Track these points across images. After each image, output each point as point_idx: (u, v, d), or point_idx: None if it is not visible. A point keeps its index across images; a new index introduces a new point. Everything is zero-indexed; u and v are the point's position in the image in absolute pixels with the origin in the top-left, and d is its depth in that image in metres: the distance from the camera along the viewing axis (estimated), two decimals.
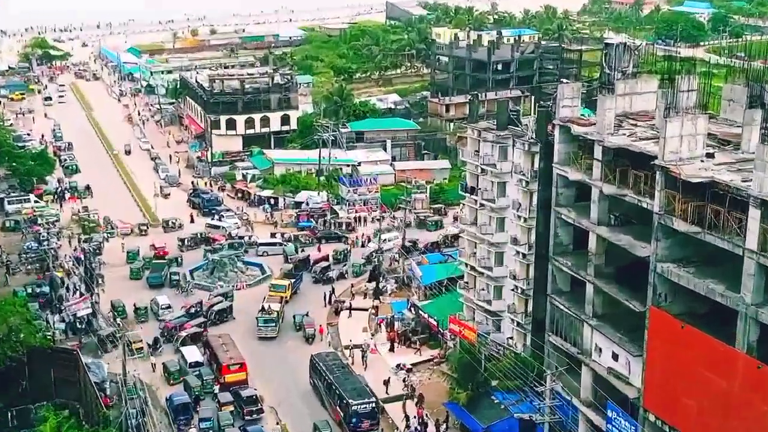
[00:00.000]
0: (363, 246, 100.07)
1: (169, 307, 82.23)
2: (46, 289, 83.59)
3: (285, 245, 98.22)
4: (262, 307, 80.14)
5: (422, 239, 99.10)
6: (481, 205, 67.05)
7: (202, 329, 77.59)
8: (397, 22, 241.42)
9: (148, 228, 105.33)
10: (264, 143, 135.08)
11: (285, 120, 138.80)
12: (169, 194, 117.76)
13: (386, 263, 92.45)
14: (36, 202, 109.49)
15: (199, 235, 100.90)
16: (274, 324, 78.52)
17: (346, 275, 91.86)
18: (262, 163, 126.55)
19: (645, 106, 57.75)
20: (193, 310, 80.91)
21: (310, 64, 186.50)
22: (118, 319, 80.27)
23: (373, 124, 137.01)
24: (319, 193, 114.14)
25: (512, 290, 64.96)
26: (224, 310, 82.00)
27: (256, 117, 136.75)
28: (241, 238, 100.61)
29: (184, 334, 76.40)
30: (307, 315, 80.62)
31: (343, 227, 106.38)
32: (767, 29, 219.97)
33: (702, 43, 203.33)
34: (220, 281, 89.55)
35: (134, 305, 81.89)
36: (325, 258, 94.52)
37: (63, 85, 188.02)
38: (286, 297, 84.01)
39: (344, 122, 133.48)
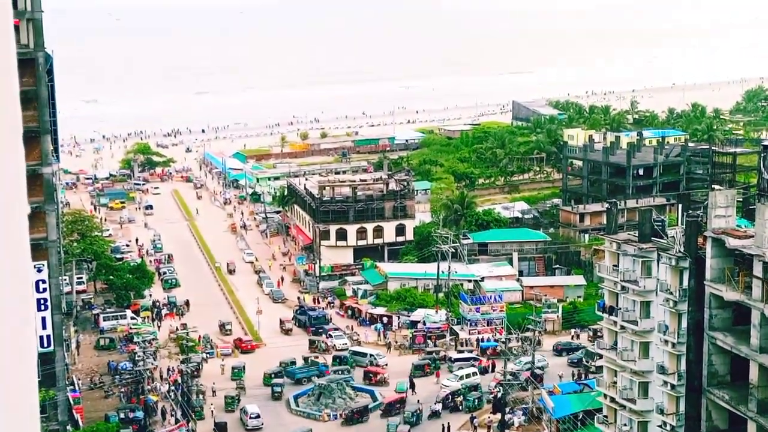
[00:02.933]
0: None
1: (258, 416, 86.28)
2: (140, 414, 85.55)
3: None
4: None
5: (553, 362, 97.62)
6: (622, 327, 65.82)
7: None
8: (524, 123, 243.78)
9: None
10: (377, 256, 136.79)
11: (400, 230, 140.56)
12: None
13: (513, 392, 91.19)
14: (132, 318, 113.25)
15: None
16: None
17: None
18: (375, 278, 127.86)
19: None
20: None
21: (429, 169, 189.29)
22: None
23: (498, 235, 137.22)
24: (437, 312, 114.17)
25: (659, 426, 62.81)
26: None
27: (369, 227, 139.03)
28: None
29: None
30: None
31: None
32: None
33: None
34: (326, 408, 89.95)
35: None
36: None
37: (157, 188, 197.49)
38: None
39: (466, 233, 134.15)
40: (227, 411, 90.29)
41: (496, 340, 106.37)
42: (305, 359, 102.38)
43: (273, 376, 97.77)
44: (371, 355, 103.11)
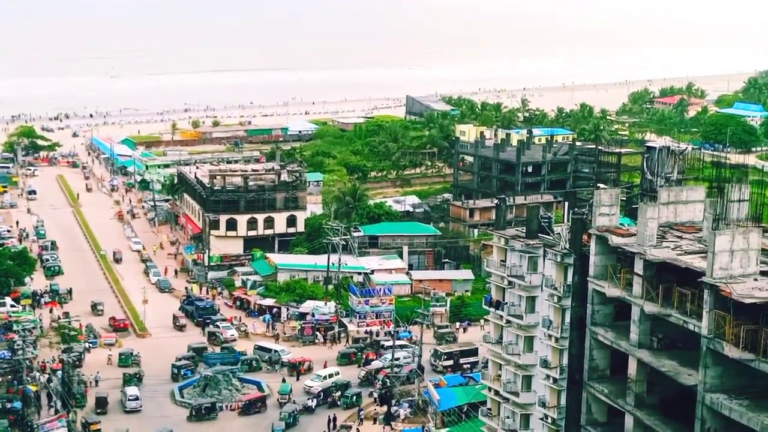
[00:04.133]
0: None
1: (136, 398, 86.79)
2: (18, 404, 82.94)
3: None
4: None
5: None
6: (508, 321, 66.66)
7: None
8: (417, 117, 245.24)
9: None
10: (267, 246, 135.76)
11: (291, 221, 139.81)
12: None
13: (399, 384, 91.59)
14: (12, 306, 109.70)
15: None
16: None
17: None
18: (265, 269, 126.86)
19: (691, 217, 57.97)
20: None
21: (321, 161, 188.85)
22: None
23: (389, 228, 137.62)
24: (326, 304, 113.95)
25: (541, 419, 63.91)
26: None
27: (260, 217, 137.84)
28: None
29: None
30: None
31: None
32: None
33: (754, 149, 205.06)
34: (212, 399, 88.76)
35: None
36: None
37: (35, 170, 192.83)
38: None
39: (356, 225, 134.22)
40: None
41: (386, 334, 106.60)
42: (193, 349, 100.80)
43: (180, 360, 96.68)
44: (275, 351, 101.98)
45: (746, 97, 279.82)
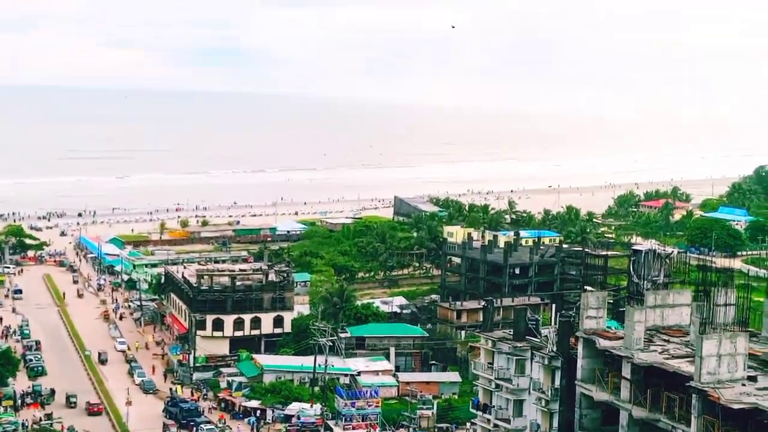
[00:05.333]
0: None
1: None
2: None
3: None
4: None
5: None
6: (495, 425, 65.94)
7: None
8: (405, 218, 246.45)
9: None
10: (254, 347, 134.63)
11: (278, 322, 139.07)
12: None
13: None
14: None
15: None
16: None
17: None
18: (250, 370, 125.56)
19: (678, 320, 58.00)
20: None
21: (309, 261, 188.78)
22: None
23: (376, 330, 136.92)
24: (312, 406, 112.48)
25: None
26: None
27: (246, 318, 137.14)
28: None
29: None
30: None
31: None
32: None
33: (739, 253, 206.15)
34: None
35: None
36: None
37: (16, 267, 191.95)
38: None
39: (344, 326, 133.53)
40: None
41: None
42: None
43: None
44: None
45: (730, 202, 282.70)
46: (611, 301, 78.03)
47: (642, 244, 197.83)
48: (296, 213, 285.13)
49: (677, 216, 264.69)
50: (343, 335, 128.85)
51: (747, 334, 48.84)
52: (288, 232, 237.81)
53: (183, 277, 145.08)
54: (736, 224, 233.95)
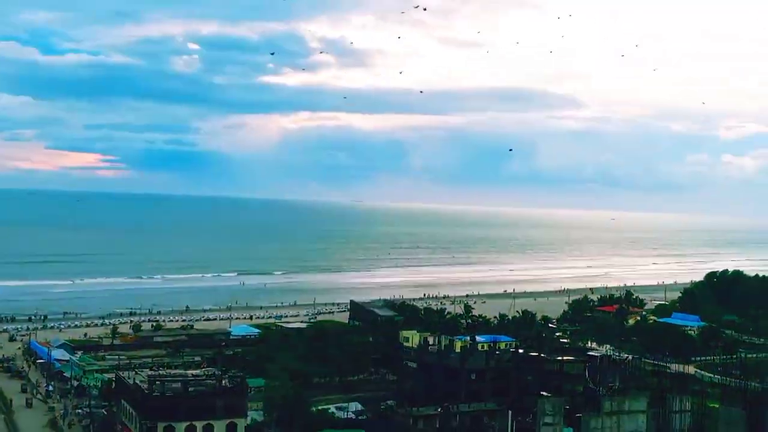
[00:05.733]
0: None
1: None
2: None
3: None
4: None
5: None
6: None
7: None
8: (361, 323, 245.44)
9: None
10: None
11: (231, 429, 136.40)
12: None
13: None
14: None
15: None
16: None
17: None
18: None
19: (634, 427, 58.11)
20: None
21: (264, 366, 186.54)
22: None
23: None
24: None
25: None
26: None
27: (199, 425, 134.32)
28: None
29: None
30: None
31: None
32: (764, 346, 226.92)
33: (693, 359, 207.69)
34: None
35: None
36: None
37: None
38: None
39: None
40: None
41: None
42: None
43: None
44: None
45: (683, 308, 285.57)
46: (567, 407, 77.87)
47: (597, 349, 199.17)
48: (251, 317, 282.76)
49: (631, 321, 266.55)
50: None
51: None
52: (242, 336, 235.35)
53: (134, 382, 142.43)
54: (690, 330, 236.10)
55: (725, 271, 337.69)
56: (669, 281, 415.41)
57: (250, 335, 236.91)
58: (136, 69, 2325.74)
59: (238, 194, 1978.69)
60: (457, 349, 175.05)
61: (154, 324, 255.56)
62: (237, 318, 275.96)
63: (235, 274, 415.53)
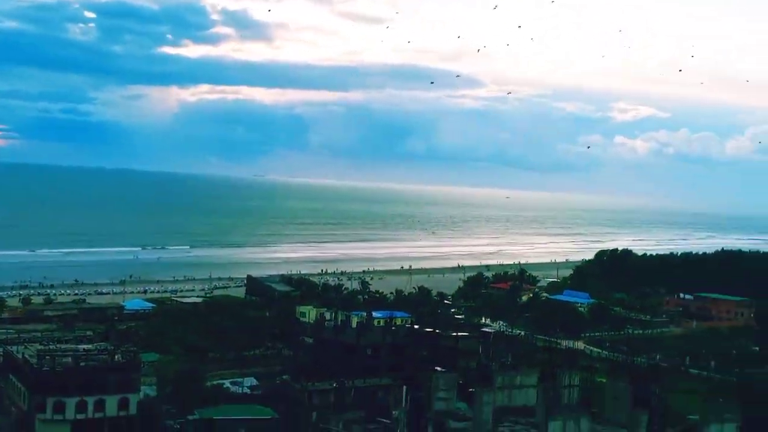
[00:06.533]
0: None
1: None
2: None
3: None
4: None
5: None
6: None
7: None
8: (258, 297, 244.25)
9: None
10: (98, 430, 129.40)
11: (123, 404, 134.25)
12: None
13: None
14: None
15: None
16: None
17: None
18: None
19: (525, 400, 59.16)
20: None
21: (158, 341, 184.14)
22: None
23: (225, 412, 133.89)
24: None
25: None
26: None
27: (90, 400, 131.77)
28: None
29: None
30: None
31: None
32: (650, 323, 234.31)
33: (582, 335, 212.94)
34: None
35: None
36: None
37: None
38: None
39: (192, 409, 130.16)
40: None
41: None
42: None
43: None
44: None
45: (573, 285, 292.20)
46: (461, 382, 79.08)
47: (491, 326, 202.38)
48: (145, 292, 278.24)
49: (524, 298, 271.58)
50: (191, 417, 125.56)
51: (589, 416, 50.24)
52: (136, 310, 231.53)
53: (23, 357, 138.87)
54: (580, 306, 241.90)
55: (615, 250, 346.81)
56: (561, 259, 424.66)
57: (143, 309, 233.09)
58: (30, 35, 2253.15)
59: (135, 167, 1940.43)
60: (354, 325, 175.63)
61: (45, 297, 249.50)
62: (131, 292, 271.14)
63: (129, 248, 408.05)
